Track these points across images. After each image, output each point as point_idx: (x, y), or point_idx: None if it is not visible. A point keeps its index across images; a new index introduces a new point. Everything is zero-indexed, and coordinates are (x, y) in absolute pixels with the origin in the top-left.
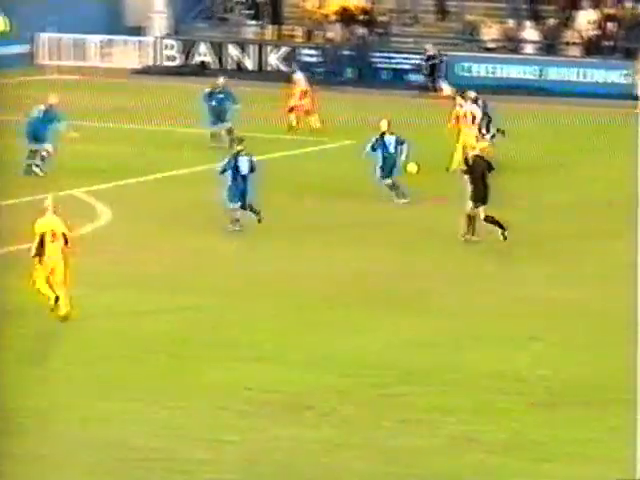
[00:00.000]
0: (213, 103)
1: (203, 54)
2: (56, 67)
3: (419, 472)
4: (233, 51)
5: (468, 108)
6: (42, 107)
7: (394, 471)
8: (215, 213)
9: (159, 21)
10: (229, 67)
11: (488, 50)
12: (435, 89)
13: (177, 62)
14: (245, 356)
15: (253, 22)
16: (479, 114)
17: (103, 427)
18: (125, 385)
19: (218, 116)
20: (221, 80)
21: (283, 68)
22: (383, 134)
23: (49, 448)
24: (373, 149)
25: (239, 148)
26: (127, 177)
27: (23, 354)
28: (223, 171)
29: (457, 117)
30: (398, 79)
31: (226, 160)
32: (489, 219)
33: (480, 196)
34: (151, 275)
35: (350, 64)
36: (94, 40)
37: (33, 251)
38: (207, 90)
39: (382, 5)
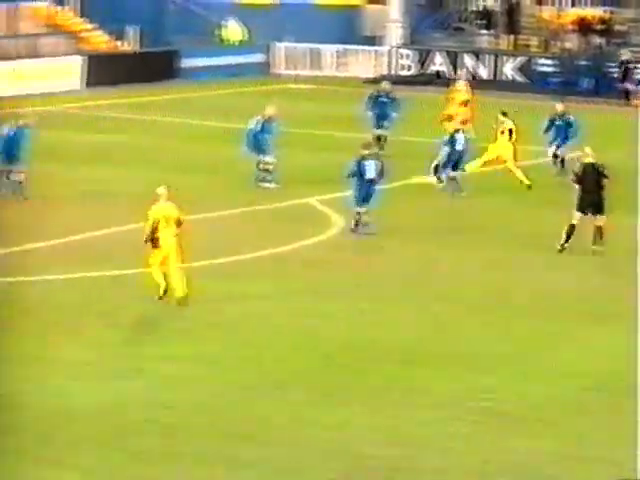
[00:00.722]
0: (375, 107)
1: (438, 63)
2: (293, 76)
3: None
4: (468, 61)
5: (507, 125)
6: (260, 118)
7: None
8: (446, 222)
9: (394, 30)
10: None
11: None
12: (627, 95)
13: (412, 71)
14: (475, 367)
15: (487, 32)
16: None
17: (336, 435)
18: (351, 393)
19: (378, 120)
20: (385, 85)
21: (518, 78)
22: (457, 131)
23: (282, 455)
24: (444, 144)
25: (364, 152)
26: None
27: (244, 363)
28: (349, 176)
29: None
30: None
31: (352, 164)
32: (599, 230)
33: (589, 205)
34: (382, 284)
35: (587, 74)
36: (329, 49)
37: (145, 236)
38: (372, 94)
39: (621, 15)
